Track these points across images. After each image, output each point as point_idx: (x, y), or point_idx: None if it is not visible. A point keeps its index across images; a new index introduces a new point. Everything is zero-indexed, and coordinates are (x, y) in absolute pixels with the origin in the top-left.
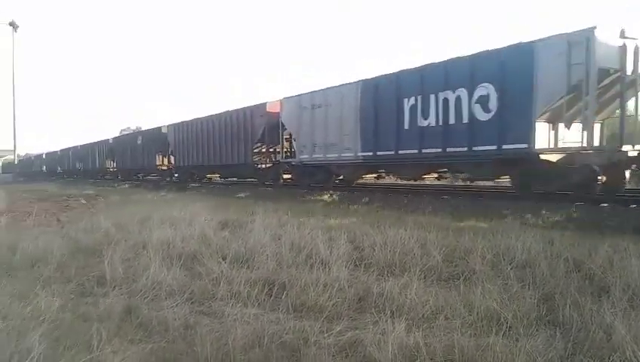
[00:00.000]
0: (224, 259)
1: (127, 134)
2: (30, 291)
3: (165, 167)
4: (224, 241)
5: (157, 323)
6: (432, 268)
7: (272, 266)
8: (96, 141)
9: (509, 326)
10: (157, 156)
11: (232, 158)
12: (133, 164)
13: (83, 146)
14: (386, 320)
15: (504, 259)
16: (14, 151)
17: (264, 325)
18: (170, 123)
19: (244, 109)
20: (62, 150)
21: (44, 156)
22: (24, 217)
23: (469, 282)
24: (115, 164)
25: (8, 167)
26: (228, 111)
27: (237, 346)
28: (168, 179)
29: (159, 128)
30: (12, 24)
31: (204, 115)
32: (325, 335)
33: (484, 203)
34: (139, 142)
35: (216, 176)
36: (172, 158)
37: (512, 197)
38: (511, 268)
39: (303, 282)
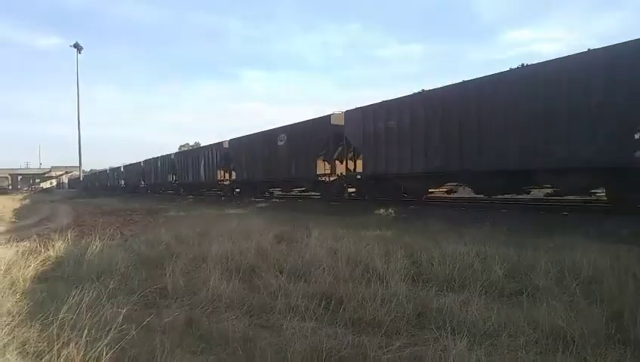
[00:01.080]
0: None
1: (190, 150)
2: (96, 302)
3: (228, 182)
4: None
5: (217, 335)
6: (493, 283)
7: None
8: (158, 156)
9: (577, 345)
10: (218, 171)
11: (294, 172)
12: (195, 179)
13: (146, 162)
14: (447, 337)
15: (569, 275)
16: (79, 167)
17: (322, 339)
18: (232, 138)
19: (307, 122)
20: (125, 166)
21: (107, 172)
22: (90, 231)
23: (532, 298)
24: (176, 178)
25: (74, 182)
26: (289, 125)
27: (296, 360)
28: (230, 194)
29: (221, 143)
30: (76, 46)
31: (265, 130)
32: (384, 350)
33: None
34: (202, 157)
35: (277, 190)
36: (233, 173)
37: None
38: (577, 284)
39: (360, 296)
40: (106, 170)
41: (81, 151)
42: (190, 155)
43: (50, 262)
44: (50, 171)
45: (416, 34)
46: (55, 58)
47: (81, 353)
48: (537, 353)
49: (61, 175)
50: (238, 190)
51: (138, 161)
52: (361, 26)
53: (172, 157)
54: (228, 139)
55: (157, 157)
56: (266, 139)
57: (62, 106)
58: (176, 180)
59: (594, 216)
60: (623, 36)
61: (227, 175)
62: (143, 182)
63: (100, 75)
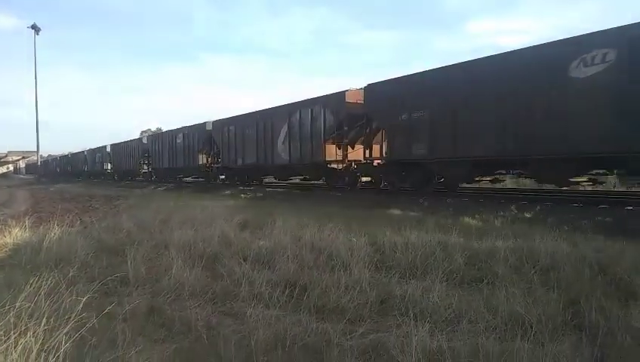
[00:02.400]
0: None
1: (166, 132)
2: (55, 290)
3: (209, 168)
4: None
5: (180, 323)
6: (454, 270)
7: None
8: (127, 140)
9: (534, 331)
10: (200, 156)
11: (296, 158)
12: (172, 165)
13: (113, 145)
14: (409, 323)
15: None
16: (37, 151)
17: (286, 326)
18: (217, 119)
19: (314, 100)
20: (88, 151)
21: (69, 156)
22: (48, 217)
23: (492, 285)
24: (149, 163)
25: (32, 167)
26: (289, 104)
27: (260, 347)
28: (213, 181)
29: (203, 124)
30: (34, 27)
31: (258, 109)
32: (348, 337)
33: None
34: (180, 140)
35: (271, 178)
36: (218, 158)
37: None
38: (534, 272)
39: (324, 284)
40: (67, 155)
41: (39, 136)
42: (166, 139)
43: (6, 249)
44: (6, 156)
45: (384, 20)
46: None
47: (40, 341)
48: (496, 338)
49: (18, 160)
50: (223, 177)
51: (104, 145)
52: (328, 10)
53: (144, 141)
54: (211, 120)
55: (126, 141)
56: (260, 121)
57: (21, 89)
58: (149, 166)
59: None
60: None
61: (210, 159)
62: (109, 166)
63: (64, 58)
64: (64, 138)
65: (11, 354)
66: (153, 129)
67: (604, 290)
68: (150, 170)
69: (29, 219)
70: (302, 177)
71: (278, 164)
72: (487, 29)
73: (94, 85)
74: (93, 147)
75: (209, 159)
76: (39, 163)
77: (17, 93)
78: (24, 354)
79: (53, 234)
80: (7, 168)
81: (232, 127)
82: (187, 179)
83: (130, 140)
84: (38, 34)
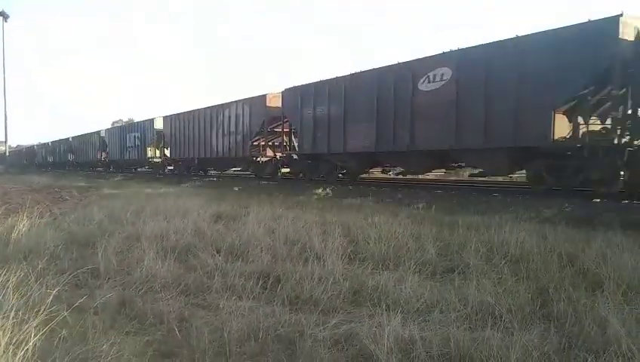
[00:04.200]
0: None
1: (120, 126)
2: (24, 283)
3: (158, 160)
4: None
5: (152, 315)
6: (426, 262)
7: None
8: (89, 132)
9: (504, 320)
10: (149, 148)
11: (230, 151)
12: (125, 156)
13: (75, 138)
14: (382, 314)
15: (498, 253)
16: (5, 142)
17: (259, 318)
18: (167, 115)
19: (242, 101)
20: (53, 142)
21: (35, 148)
22: (16, 208)
23: (463, 276)
24: (107, 155)
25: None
26: (228, 103)
27: (233, 339)
28: (162, 172)
29: (152, 120)
30: (2, 14)
31: (201, 107)
32: (321, 328)
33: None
34: (133, 133)
35: (212, 170)
36: (165, 151)
37: None
38: (505, 263)
39: (297, 275)
40: (33, 146)
41: (7, 125)
42: (121, 132)
43: None
44: None
45: None
46: None
47: (8, 335)
48: (467, 328)
49: None
50: (171, 168)
51: (67, 137)
52: None
53: (102, 134)
54: (162, 116)
55: (86, 134)
56: (202, 117)
57: None
58: (106, 157)
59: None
60: None
61: (159, 152)
62: (71, 157)
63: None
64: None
65: None
66: (125, 120)
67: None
68: (108, 161)
69: None
70: (239, 168)
71: (214, 157)
72: None
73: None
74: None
75: (157, 152)
76: (7, 153)
77: None
78: None
79: (22, 226)
80: None
81: (178, 123)
82: (140, 169)
83: (90, 133)
84: (6, 21)
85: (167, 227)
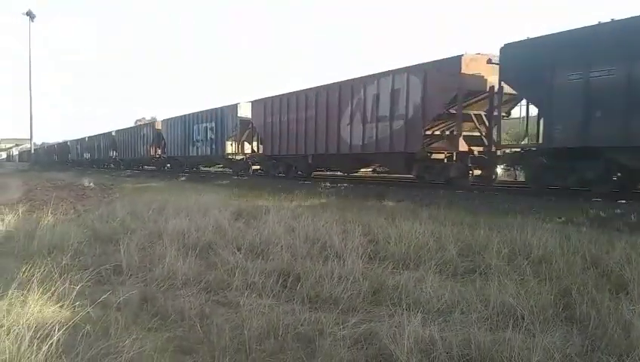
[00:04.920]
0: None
1: (128, 128)
2: (48, 278)
3: (160, 158)
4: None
5: (173, 311)
6: (447, 261)
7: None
8: (100, 134)
9: (526, 322)
10: (151, 148)
11: (210, 150)
12: (133, 155)
13: (121, 131)
14: (402, 313)
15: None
16: (30, 140)
17: (279, 316)
18: (164, 118)
19: (218, 109)
20: (91, 137)
21: (68, 143)
22: (41, 205)
23: (485, 276)
24: (117, 154)
25: (25, 155)
26: (209, 110)
27: (253, 336)
28: (162, 168)
29: (153, 123)
30: (29, 14)
31: (187, 113)
32: (340, 327)
33: None
34: (139, 134)
35: (201, 167)
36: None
37: None
38: (527, 264)
39: (317, 274)
40: (66, 142)
41: (33, 123)
42: (129, 133)
43: None
44: None
45: None
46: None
47: (32, 329)
48: (488, 329)
49: (11, 147)
50: (169, 165)
51: (109, 131)
52: None
53: (113, 134)
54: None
55: (135, 126)
56: (189, 122)
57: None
58: (117, 156)
59: None
60: None
61: (160, 151)
62: (114, 154)
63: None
64: (60, 126)
65: (4, 341)
66: (148, 118)
67: None
68: (118, 159)
69: (22, 206)
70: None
71: (200, 155)
72: None
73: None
74: (76, 138)
75: (158, 150)
76: (32, 151)
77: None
78: (16, 342)
79: (46, 222)
80: (0, 156)
81: (173, 126)
82: (147, 167)
83: (102, 133)
84: (32, 21)
85: (188, 224)
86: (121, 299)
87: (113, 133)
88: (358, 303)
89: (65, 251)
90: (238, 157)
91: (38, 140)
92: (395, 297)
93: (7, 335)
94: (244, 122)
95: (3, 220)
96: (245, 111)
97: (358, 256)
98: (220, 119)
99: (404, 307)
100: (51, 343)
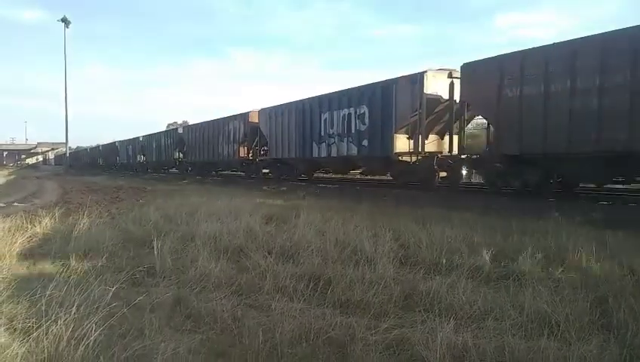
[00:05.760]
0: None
1: (152, 134)
2: (84, 280)
3: (181, 161)
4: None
5: (206, 314)
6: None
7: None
8: (129, 139)
9: (561, 330)
10: (174, 152)
11: (227, 155)
12: (157, 159)
13: (189, 128)
14: (434, 319)
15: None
16: (66, 143)
17: (310, 320)
18: (186, 125)
19: (234, 116)
20: (146, 136)
21: (116, 144)
22: (76, 208)
23: (518, 283)
24: (145, 158)
25: (60, 158)
26: (223, 118)
27: (284, 340)
28: (185, 172)
29: (176, 129)
30: (64, 20)
31: (210, 119)
32: (372, 332)
33: None
34: (162, 139)
35: (219, 170)
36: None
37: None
38: (562, 270)
39: (348, 278)
40: (86, 149)
41: (68, 128)
42: (154, 138)
43: (36, 239)
44: (36, 147)
45: (409, 15)
46: (41, 32)
47: (70, 329)
48: (522, 337)
49: (47, 151)
50: (190, 169)
51: (114, 141)
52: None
53: (140, 139)
54: (182, 125)
55: (129, 139)
56: (210, 128)
57: (49, 81)
58: (145, 160)
59: None
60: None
61: (182, 155)
62: (180, 156)
63: (89, 51)
64: (94, 130)
65: (42, 341)
66: (179, 122)
67: None
68: (145, 162)
69: (58, 209)
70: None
71: (219, 160)
72: (513, 23)
73: (121, 79)
74: (106, 143)
75: (181, 154)
76: (67, 154)
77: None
78: (55, 342)
79: (82, 225)
80: (37, 159)
81: (193, 131)
82: (171, 170)
83: (132, 138)
84: (67, 27)
85: (220, 228)
86: (155, 300)
87: (180, 131)
88: (390, 308)
89: (100, 253)
90: (180, 162)
91: (73, 144)
92: (427, 302)
93: (46, 334)
94: (182, 140)
95: (40, 223)
96: (180, 130)
97: (389, 260)
98: (167, 138)
99: (436, 312)
100: (88, 343)
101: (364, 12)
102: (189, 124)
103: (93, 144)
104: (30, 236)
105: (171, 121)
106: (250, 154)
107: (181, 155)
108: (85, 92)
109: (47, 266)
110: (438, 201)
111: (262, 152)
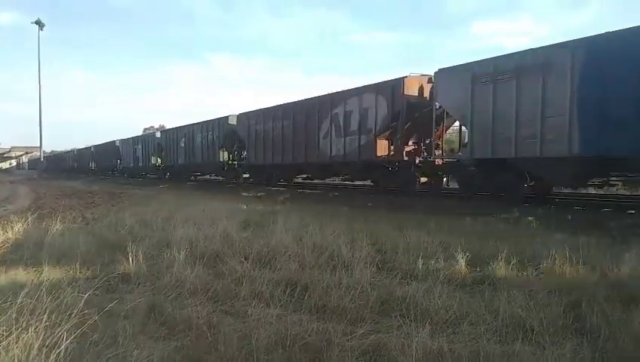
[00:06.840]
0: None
1: (129, 138)
2: (57, 286)
3: (159, 167)
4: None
5: (181, 320)
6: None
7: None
8: (105, 142)
9: (535, 334)
10: (152, 157)
11: (204, 159)
12: (135, 164)
13: (95, 146)
14: (410, 324)
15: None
16: (40, 147)
17: (287, 326)
18: (163, 129)
19: (210, 121)
20: (78, 150)
21: (75, 152)
22: (50, 213)
23: (493, 287)
24: (120, 163)
25: (34, 163)
26: (200, 122)
27: (260, 346)
28: (163, 177)
29: (154, 133)
30: (38, 22)
31: (184, 124)
32: (348, 337)
33: None
34: (139, 144)
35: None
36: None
37: None
38: (536, 275)
39: (325, 284)
40: (114, 142)
41: (42, 132)
42: (131, 143)
43: (8, 245)
44: (9, 151)
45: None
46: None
47: (41, 337)
48: (497, 341)
49: (21, 155)
50: (168, 174)
51: (88, 146)
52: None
53: (116, 143)
54: (159, 130)
55: (104, 143)
56: (187, 133)
57: (23, 85)
58: (120, 164)
59: None
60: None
61: (160, 160)
62: (93, 165)
63: (64, 54)
64: (69, 134)
65: (12, 349)
66: (156, 126)
67: None
68: (122, 167)
69: (31, 214)
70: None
71: (196, 164)
72: (491, 31)
73: (97, 83)
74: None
75: (159, 160)
76: (42, 159)
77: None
78: (25, 350)
79: (55, 230)
80: (10, 164)
81: (171, 136)
82: (149, 175)
83: (108, 142)
84: (42, 29)
85: (196, 233)
86: (128, 307)
87: (158, 135)
88: (366, 313)
89: (73, 259)
90: (159, 167)
91: (47, 148)
92: (403, 308)
93: (16, 343)
94: (160, 145)
95: (12, 228)
96: (158, 135)
97: (365, 265)
98: (145, 143)
99: (412, 317)
100: (59, 352)
101: (340, 20)
102: (166, 128)
103: (69, 148)
104: (2, 242)
105: (147, 126)
106: (229, 159)
107: (159, 160)
108: (63, 96)
109: (19, 273)
110: (419, 207)
111: (241, 157)
